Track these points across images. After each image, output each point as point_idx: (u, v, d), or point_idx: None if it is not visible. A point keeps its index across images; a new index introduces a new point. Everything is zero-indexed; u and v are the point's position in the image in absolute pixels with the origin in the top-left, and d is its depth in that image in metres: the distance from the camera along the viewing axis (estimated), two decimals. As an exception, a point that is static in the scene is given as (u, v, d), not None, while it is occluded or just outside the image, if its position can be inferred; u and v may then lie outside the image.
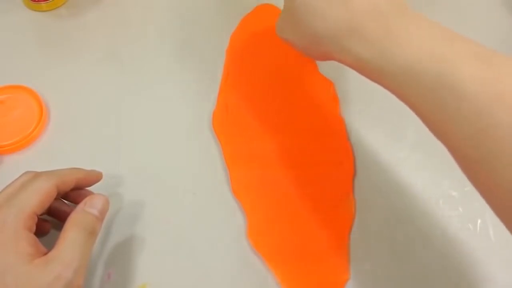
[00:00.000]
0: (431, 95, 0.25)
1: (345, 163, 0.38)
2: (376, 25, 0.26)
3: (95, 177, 0.35)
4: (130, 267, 0.34)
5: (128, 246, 0.35)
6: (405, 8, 0.27)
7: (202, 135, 0.40)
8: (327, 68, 0.43)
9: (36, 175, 0.30)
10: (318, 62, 0.44)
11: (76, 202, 0.33)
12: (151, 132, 0.40)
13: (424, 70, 0.25)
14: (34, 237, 0.28)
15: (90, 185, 0.35)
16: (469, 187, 0.37)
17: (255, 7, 0.48)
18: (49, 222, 0.34)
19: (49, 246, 0.28)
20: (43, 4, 0.47)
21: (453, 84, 0.24)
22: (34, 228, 0.29)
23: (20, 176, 0.31)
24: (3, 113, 0.40)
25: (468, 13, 0.48)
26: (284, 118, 0.41)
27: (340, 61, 0.29)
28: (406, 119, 0.41)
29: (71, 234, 0.28)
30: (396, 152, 0.40)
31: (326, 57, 0.30)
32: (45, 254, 0.27)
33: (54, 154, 0.39)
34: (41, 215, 0.30)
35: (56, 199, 0.31)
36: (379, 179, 0.38)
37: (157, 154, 0.39)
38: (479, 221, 0.37)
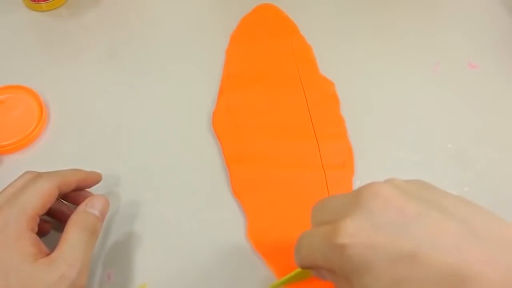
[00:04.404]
0: None
1: (346, 163, 0.38)
2: None
3: (95, 179, 0.35)
4: (130, 267, 0.34)
5: (128, 246, 0.35)
6: None
7: (202, 135, 0.40)
8: (327, 68, 0.43)
9: (38, 176, 0.30)
10: (319, 62, 0.44)
11: (75, 203, 0.33)
12: (151, 132, 0.40)
13: None
14: (37, 237, 0.28)
15: (90, 186, 0.35)
16: (468, 187, 0.38)
17: (255, 7, 0.48)
18: (49, 223, 0.34)
19: (49, 246, 0.28)
20: (43, 4, 0.47)
21: None
22: (36, 228, 0.29)
23: (21, 176, 0.31)
24: (3, 113, 0.40)
25: (467, 12, 0.49)
26: (285, 118, 0.41)
27: None
28: (406, 119, 0.41)
29: (73, 235, 0.28)
30: (396, 152, 0.40)
31: None
32: (48, 254, 0.27)
33: (54, 154, 0.39)
34: (42, 215, 0.30)
35: (56, 199, 0.31)
36: (379, 179, 0.38)
37: (157, 154, 0.39)
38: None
